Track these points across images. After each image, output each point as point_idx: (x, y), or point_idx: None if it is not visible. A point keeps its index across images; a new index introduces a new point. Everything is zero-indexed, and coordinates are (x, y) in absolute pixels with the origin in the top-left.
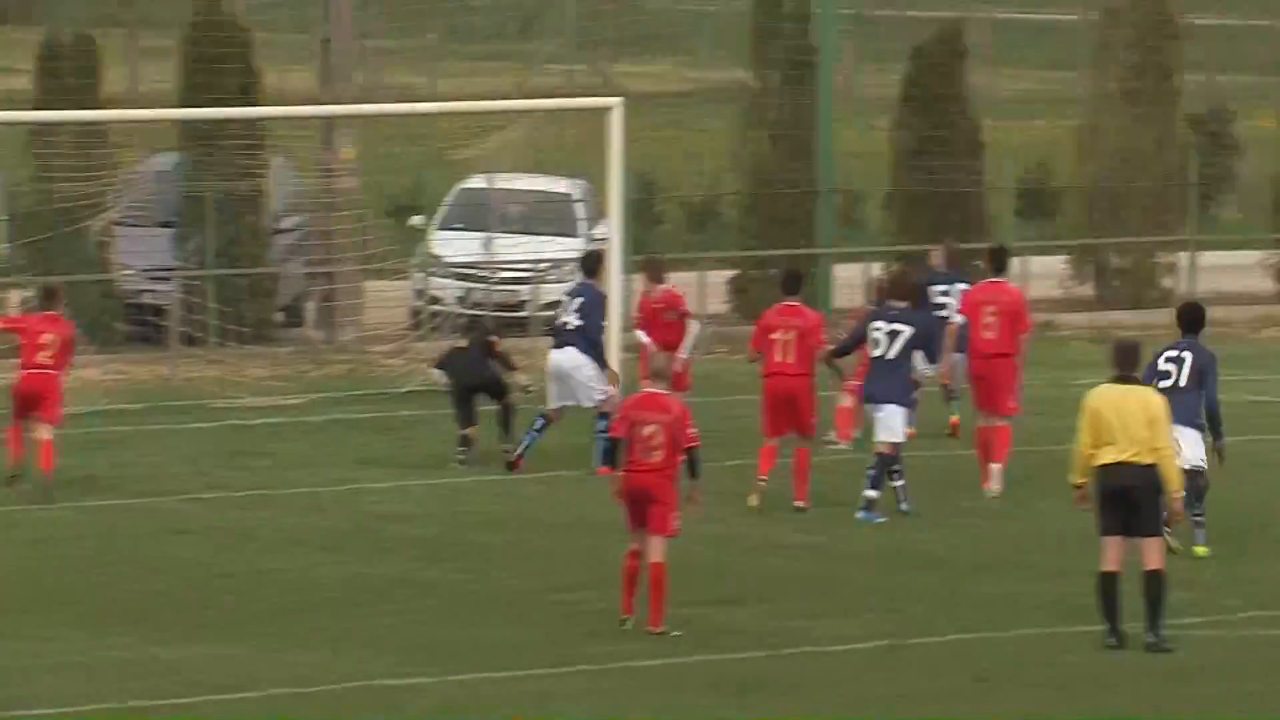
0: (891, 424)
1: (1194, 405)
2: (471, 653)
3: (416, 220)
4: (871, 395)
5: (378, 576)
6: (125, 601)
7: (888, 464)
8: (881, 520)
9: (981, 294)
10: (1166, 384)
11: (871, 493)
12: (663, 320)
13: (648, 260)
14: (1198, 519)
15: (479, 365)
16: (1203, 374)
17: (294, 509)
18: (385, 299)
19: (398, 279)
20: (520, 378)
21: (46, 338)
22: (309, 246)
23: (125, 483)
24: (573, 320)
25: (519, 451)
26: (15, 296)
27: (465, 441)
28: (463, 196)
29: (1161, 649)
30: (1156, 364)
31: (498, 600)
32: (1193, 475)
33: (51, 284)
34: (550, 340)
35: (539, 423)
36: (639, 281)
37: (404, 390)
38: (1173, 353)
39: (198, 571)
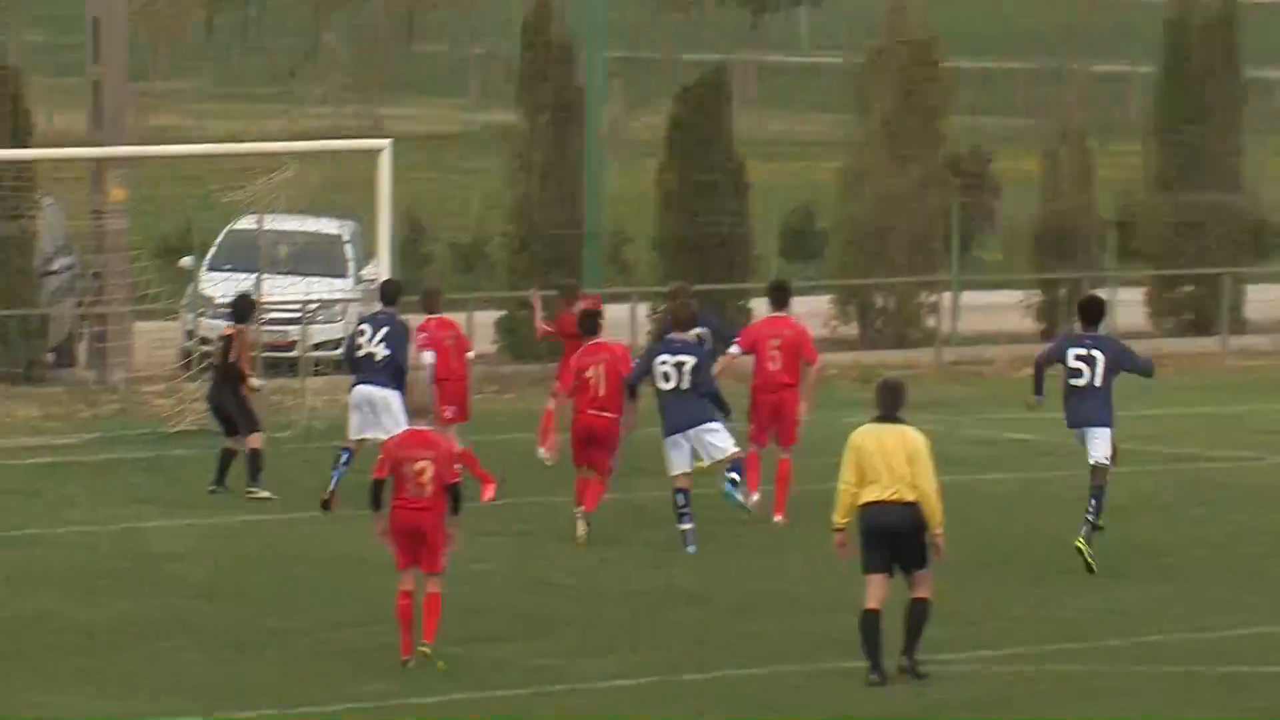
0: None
1: (1107, 402)
2: (237, 691)
3: (186, 261)
4: (676, 426)
5: (148, 616)
6: None
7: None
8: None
9: (765, 328)
10: (1080, 382)
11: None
12: (444, 347)
13: (428, 289)
14: (1091, 518)
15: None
16: (1117, 366)
17: (67, 548)
18: (156, 339)
19: (169, 319)
20: (253, 382)
21: None
22: (80, 287)
23: None
24: (380, 351)
25: (331, 488)
26: None
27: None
28: (233, 238)
29: (915, 674)
30: (1066, 358)
31: (268, 638)
32: (1098, 472)
33: None
34: (345, 371)
35: (344, 456)
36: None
37: (175, 430)
38: (1081, 350)
39: None
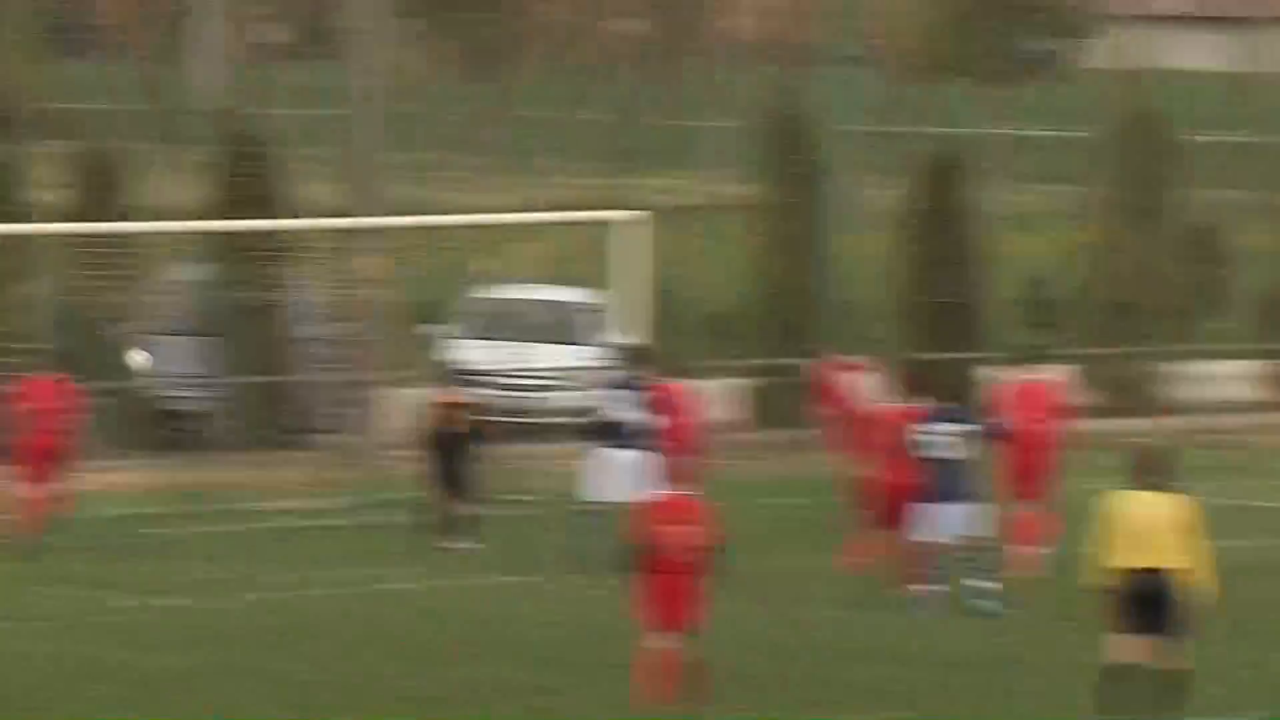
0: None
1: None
2: None
3: (430, 329)
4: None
5: (380, 675)
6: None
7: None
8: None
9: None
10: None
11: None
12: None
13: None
14: None
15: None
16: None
17: (320, 607)
18: (410, 405)
19: (421, 386)
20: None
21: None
22: (335, 355)
23: (156, 585)
24: (626, 416)
25: (579, 554)
26: None
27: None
28: (482, 306)
29: None
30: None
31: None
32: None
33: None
34: (591, 436)
35: (591, 520)
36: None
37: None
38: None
39: (233, 674)
